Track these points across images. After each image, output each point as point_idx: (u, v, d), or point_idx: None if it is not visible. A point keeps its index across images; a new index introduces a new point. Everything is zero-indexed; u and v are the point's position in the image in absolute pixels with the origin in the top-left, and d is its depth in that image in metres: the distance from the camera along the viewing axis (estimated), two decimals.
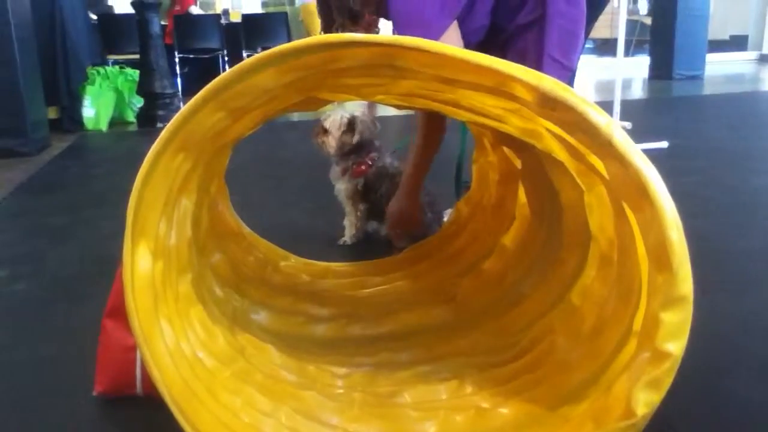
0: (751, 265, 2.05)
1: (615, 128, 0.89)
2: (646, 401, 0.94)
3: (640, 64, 8.04)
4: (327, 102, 1.39)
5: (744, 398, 1.35)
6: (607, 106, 3.91)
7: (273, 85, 0.99)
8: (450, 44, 1.62)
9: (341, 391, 1.38)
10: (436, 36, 1.57)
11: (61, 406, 1.41)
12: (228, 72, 0.95)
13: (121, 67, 5.65)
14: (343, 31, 1.61)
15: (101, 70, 5.43)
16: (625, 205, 1.03)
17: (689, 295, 0.90)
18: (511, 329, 1.47)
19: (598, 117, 0.88)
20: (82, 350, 1.44)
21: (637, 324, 1.04)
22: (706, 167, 3.29)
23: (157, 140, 0.96)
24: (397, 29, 1.61)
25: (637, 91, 6.96)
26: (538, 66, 1.59)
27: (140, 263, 1.01)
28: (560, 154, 1.15)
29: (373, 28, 1.70)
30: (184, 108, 0.96)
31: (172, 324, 1.11)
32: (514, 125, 1.15)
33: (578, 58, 1.78)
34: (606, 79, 6.83)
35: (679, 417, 1.26)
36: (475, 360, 1.41)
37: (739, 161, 3.47)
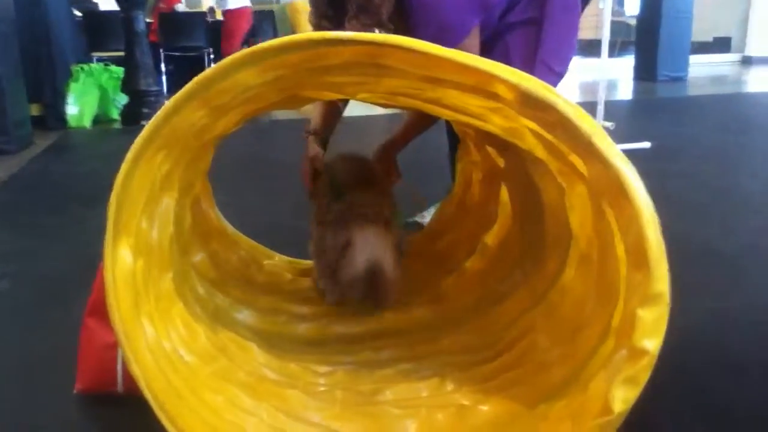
0: (734, 266, 2.07)
1: (595, 130, 0.90)
2: (622, 398, 0.95)
3: (625, 66, 8.10)
4: (310, 100, 1.39)
5: (727, 398, 1.36)
6: (591, 107, 3.94)
7: (255, 82, 1.00)
8: (472, 44, 1.64)
9: (323, 389, 1.38)
10: (461, 34, 1.61)
11: (42, 404, 1.41)
12: (210, 69, 0.94)
13: (105, 65, 5.62)
14: (355, 22, 1.56)
15: (85, 67, 5.40)
16: (604, 204, 1.04)
17: (666, 292, 0.91)
18: (492, 328, 1.48)
19: (578, 117, 0.89)
20: (65, 349, 1.44)
21: (616, 322, 1.05)
22: (689, 168, 3.32)
23: (139, 137, 0.95)
24: (418, 26, 1.61)
25: (622, 93, 7.02)
26: (528, 70, 1.64)
27: (121, 260, 1.01)
28: (541, 153, 1.16)
29: (385, 26, 1.63)
30: (166, 105, 0.96)
31: (153, 322, 1.11)
32: (496, 124, 1.16)
33: (569, 64, 1.79)
34: (591, 81, 6.88)
35: (662, 417, 1.28)
36: (456, 358, 1.42)
37: (722, 162, 3.52)
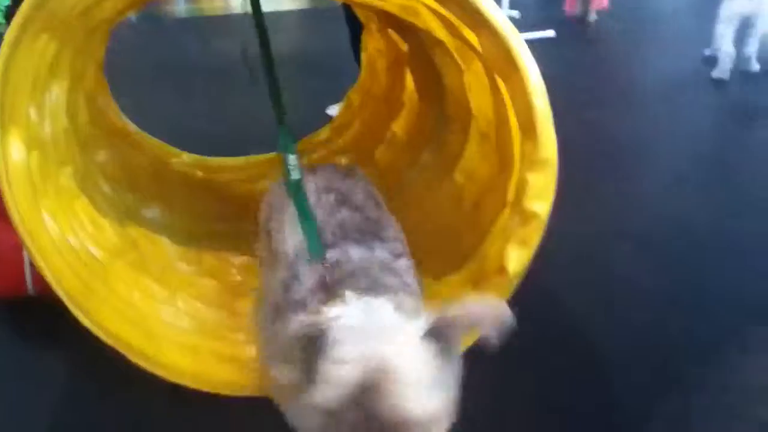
0: (639, 151, 2.17)
1: None
2: (516, 259, 1.02)
3: None
4: None
5: (621, 271, 1.49)
6: None
7: None
8: None
9: (238, 278, 1.41)
10: None
11: None
12: None
13: None
14: None
15: None
16: (497, 78, 1.07)
17: (553, 158, 0.97)
18: (401, 211, 1.52)
19: None
20: None
21: (511, 194, 1.12)
22: (593, 57, 3.40)
23: (15, 19, 0.90)
24: None
25: None
26: None
27: (13, 154, 0.97)
28: (439, 31, 1.18)
29: None
30: None
31: (55, 217, 1.09)
32: (393, 2, 1.16)
33: None
34: None
35: (562, 286, 1.38)
36: None
37: (627, 50, 3.61)
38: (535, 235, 1.00)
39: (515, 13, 3.91)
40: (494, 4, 0.93)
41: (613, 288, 1.43)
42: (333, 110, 2.31)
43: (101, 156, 1.54)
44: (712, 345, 1.25)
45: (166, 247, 1.41)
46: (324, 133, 2.02)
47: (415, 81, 1.72)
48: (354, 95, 2.02)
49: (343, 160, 1.86)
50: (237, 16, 5.23)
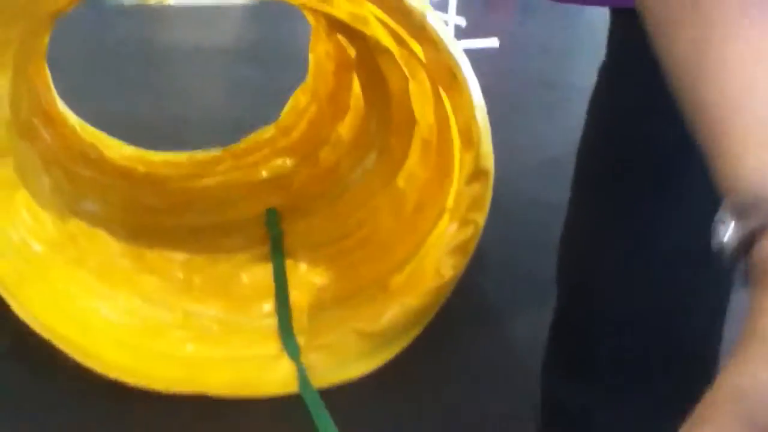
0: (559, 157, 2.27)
1: (428, 13, 0.95)
2: (452, 264, 1.08)
3: None
4: None
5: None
6: (442, 2, 4.00)
7: None
8: None
9: (180, 275, 1.42)
10: None
11: None
12: None
13: None
14: None
15: None
16: (441, 90, 1.12)
17: (490, 169, 1.02)
18: (342, 212, 1.57)
19: (412, 1, 0.95)
20: None
21: (450, 201, 1.17)
22: (533, 66, 3.50)
23: None
24: None
25: None
26: None
27: None
28: (386, 40, 1.21)
29: None
30: None
31: None
32: (342, 9, 1.19)
33: None
34: None
35: (487, 285, 1.44)
36: (309, 240, 1.50)
37: (564, 60, 3.74)
38: (471, 243, 1.06)
39: (462, 20, 3.98)
40: (439, 19, 0.98)
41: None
42: None
43: (41, 146, 1.52)
44: None
45: (106, 242, 1.40)
46: (269, 131, 2.03)
47: (362, 85, 1.76)
48: (301, 96, 2.03)
49: (288, 162, 1.87)
50: (175, 8, 5.19)
